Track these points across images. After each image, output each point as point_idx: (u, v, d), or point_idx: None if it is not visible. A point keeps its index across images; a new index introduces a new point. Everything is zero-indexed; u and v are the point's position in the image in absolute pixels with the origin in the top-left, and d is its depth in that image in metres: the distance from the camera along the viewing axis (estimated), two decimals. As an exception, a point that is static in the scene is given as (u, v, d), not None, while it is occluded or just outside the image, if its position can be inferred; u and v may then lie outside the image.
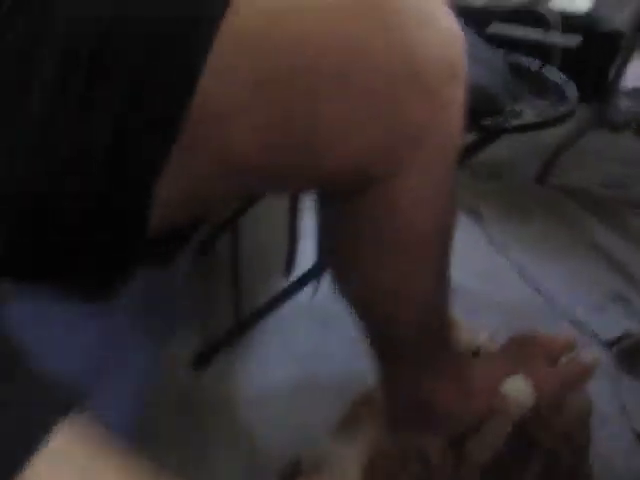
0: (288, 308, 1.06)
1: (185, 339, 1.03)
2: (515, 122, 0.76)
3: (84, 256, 0.46)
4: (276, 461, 0.62)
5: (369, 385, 0.68)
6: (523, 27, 1.49)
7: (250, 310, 1.05)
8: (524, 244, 1.39)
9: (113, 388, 0.54)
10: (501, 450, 0.64)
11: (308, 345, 1.06)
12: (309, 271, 1.02)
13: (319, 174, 0.45)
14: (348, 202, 0.49)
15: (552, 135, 1.54)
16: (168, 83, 0.40)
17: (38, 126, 0.40)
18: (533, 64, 0.98)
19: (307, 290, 1.04)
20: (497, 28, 1.49)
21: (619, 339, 1.08)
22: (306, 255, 1.18)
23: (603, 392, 0.98)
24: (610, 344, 1.09)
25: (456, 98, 0.45)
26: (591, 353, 0.69)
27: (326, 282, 1.03)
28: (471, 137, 0.80)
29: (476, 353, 0.76)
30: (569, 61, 1.11)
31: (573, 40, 1.47)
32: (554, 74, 0.95)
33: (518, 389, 0.63)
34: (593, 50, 1.48)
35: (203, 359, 0.99)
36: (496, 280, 1.27)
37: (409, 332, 0.56)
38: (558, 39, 1.39)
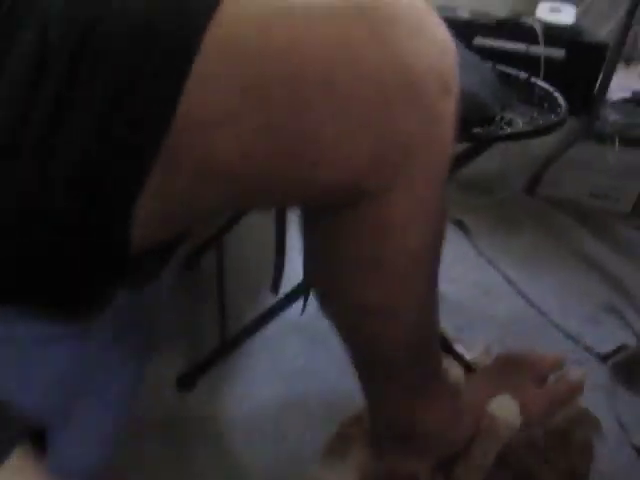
0: (275, 325, 1.03)
1: (170, 358, 1.00)
2: (507, 130, 0.74)
3: (64, 274, 0.44)
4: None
5: (359, 405, 0.66)
6: (508, 40, 1.49)
7: (236, 328, 1.03)
8: (514, 256, 1.38)
9: (90, 411, 0.51)
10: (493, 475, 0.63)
11: (296, 364, 1.04)
12: (297, 287, 1.00)
13: (305, 187, 0.43)
14: (335, 218, 0.47)
15: (540, 147, 1.54)
16: (153, 87, 0.38)
17: (9, 126, 0.39)
18: (521, 74, 0.97)
19: (295, 307, 1.02)
20: (482, 41, 1.49)
21: (614, 352, 1.06)
22: (294, 271, 1.16)
23: (599, 407, 0.95)
24: (605, 357, 1.07)
25: (448, 110, 0.43)
26: (579, 370, 0.69)
27: (314, 299, 1.01)
28: (461, 147, 0.79)
29: (472, 369, 0.74)
30: (554, 73, 1.10)
31: (558, 52, 1.47)
32: (542, 84, 0.94)
33: (505, 409, 0.63)
34: (578, 62, 1.48)
35: (188, 380, 0.96)
36: (488, 293, 1.25)
37: (397, 352, 0.55)
38: (543, 51, 1.39)
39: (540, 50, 1.35)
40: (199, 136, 0.39)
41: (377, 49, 0.39)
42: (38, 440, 0.32)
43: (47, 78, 0.38)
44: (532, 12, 1.57)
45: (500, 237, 1.46)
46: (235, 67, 0.38)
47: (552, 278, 1.32)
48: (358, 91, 0.39)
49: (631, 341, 1.10)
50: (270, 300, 1.04)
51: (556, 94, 0.90)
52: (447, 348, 0.86)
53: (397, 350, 0.55)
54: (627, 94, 1.64)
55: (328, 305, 0.56)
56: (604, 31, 1.62)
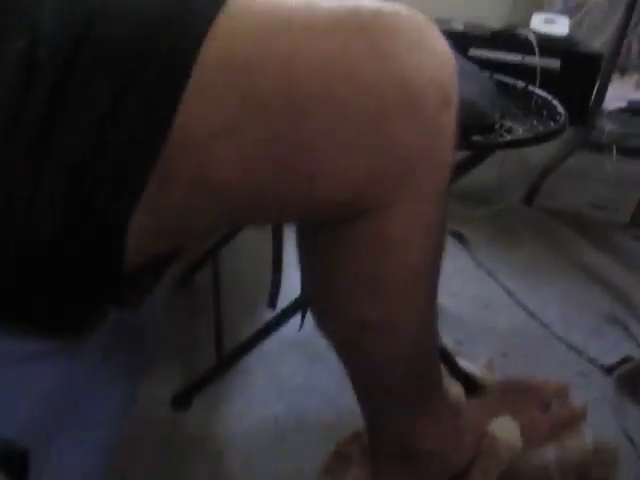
0: (273, 342, 1.02)
1: (164, 376, 0.98)
2: (507, 138, 0.73)
3: (55, 289, 0.43)
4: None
5: (358, 422, 0.65)
6: (503, 51, 1.49)
7: (233, 345, 1.01)
8: (513, 267, 1.37)
9: (78, 431, 0.49)
10: None
11: (295, 381, 1.01)
12: (294, 303, 0.98)
13: (303, 201, 0.42)
14: (333, 234, 0.46)
15: (538, 158, 1.54)
16: (149, 95, 0.38)
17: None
18: (518, 83, 0.97)
19: (293, 323, 1.00)
20: (477, 52, 1.49)
21: (619, 364, 1.05)
22: (291, 286, 1.14)
23: (606, 421, 0.94)
24: (610, 369, 1.05)
25: (448, 123, 0.43)
26: (582, 401, 0.70)
27: (312, 315, 0.99)
28: (461, 155, 0.77)
29: (473, 385, 0.73)
30: (550, 84, 1.10)
31: (553, 63, 1.47)
32: (540, 92, 0.94)
33: (506, 430, 0.63)
34: (573, 73, 1.48)
35: (183, 399, 0.94)
36: (488, 306, 1.24)
37: (396, 368, 0.54)
38: (538, 62, 1.39)
39: (536, 61, 1.35)
40: (197, 147, 0.39)
41: (377, 63, 0.39)
42: (20, 464, 0.30)
43: (39, 80, 0.38)
44: (526, 24, 1.58)
45: (499, 248, 1.45)
46: (233, 78, 0.38)
47: (552, 289, 1.31)
48: (357, 103, 0.39)
49: (635, 353, 1.08)
50: (267, 316, 1.02)
51: (555, 102, 0.89)
52: (448, 363, 0.85)
53: (397, 365, 0.54)
54: (623, 104, 1.64)
55: (326, 321, 0.55)
56: (598, 42, 1.63)
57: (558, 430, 0.67)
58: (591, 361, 1.08)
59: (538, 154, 1.52)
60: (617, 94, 1.62)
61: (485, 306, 1.24)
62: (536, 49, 1.37)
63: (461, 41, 1.50)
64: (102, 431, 0.53)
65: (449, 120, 0.43)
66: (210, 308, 1.11)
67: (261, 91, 0.38)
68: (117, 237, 0.40)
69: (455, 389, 0.72)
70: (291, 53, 0.38)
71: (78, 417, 0.49)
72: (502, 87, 0.92)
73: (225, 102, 0.38)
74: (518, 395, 0.68)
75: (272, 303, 1.15)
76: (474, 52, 1.49)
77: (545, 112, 0.85)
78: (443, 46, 0.42)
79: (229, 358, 1.00)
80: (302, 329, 1.02)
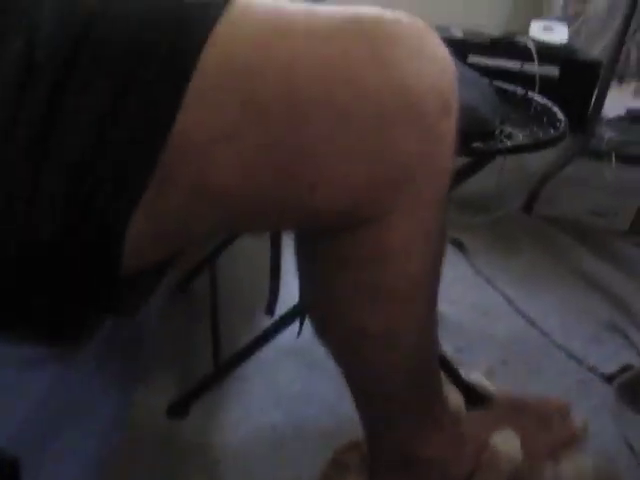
0: (271, 349, 1.01)
1: (161, 384, 0.97)
2: (508, 144, 0.73)
3: (53, 291, 0.43)
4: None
5: (357, 430, 0.64)
6: (502, 58, 1.49)
7: (230, 352, 1.00)
8: (512, 275, 1.37)
9: (74, 438, 0.49)
10: None
11: (293, 389, 1.00)
12: (293, 310, 0.97)
13: (304, 208, 0.42)
14: (333, 242, 0.46)
15: (537, 165, 1.54)
16: (150, 97, 0.38)
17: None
18: (518, 90, 0.96)
19: (290, 330, 0.99)
20: (476, 59, 1.49)
21: (619, 372, 1.04)
22: (289, 293, 1.13)
23: (606, 429, 0.93)
24: (610, 378, 1.04)
25: (448, 130, 0.43)
26: (583, 419, 0.71)
27: (310, 323, 0.99)
28: (460, 161, 0.77)
29: (473, 393, 0.73)
30: (549, 91, 1.10)
31: (552, 70, 1.47)
32: (540, 99, 0.93)
33: (507, 443, 0.63)
34: (572, 80, 1.48)
35: (180, 407, 0.93)
36: (487, 313, 1.23)
37: (396, 375, 0.54)
38: (537, 69, 1.39)
39: (535, 68, 1.35)
40: (196, 153, 0.39)
41: (377, 70, 0.39)
42: (10, 472, 0.29)
43: (39, 80, 0.38)
44: (525, 31, 1.58)
45: (498, 256, 1.44)
46: (233, 83, 0.38)
47: (552, 297, 1.30)
48: (357, 109, 0.39)
49: (635, 361, 1.08)
50: (264, 323, 1.01)
51: (554, 109, 0.89)
52: (448, 371, 0.84)
53: (396, 373, 0.54)
54: (621, 111, 1.65)
55: (325, 329, 0.55)
56: (596, 50, 1.63)
57: (557, 448, 0.67)
58: (591, 369, 1.07)
59: (537, 161, 1.52)
60: (615, 102, 1.62)
61: (484, 314, 1.23)
62: (535, 56, 1.37)
63: (460, 48, 1.50)
64: (96, 439, 0.53)
65: (449, 127, 0.43)
66: (207, 315, 1.10)
67: (261, 96, 0.38)
68: (116, 238, 0.40)
69: (455, 398, 0.71)
70: (291, 59, 0.38)
71: (73, 424, 0.48)
72: (502, 94, 0.92)
73: (225, 107, 0.38)
74: (520, 410, 0.69)
75: (270, 310, 1.14)
76: (473, 59, 1.49)
77: (545, 119, 0.85)
78: (443, 53, 0.42)
79: (226, 365, 0.99)
80: (300, 336, 1.02)
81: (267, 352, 1.00)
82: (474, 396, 0.74)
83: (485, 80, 0.88)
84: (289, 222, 0.46)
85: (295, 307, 0.97)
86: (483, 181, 1.24)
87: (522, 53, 1.44)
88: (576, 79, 1.49)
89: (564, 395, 1.00)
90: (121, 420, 0.56)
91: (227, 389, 0.99)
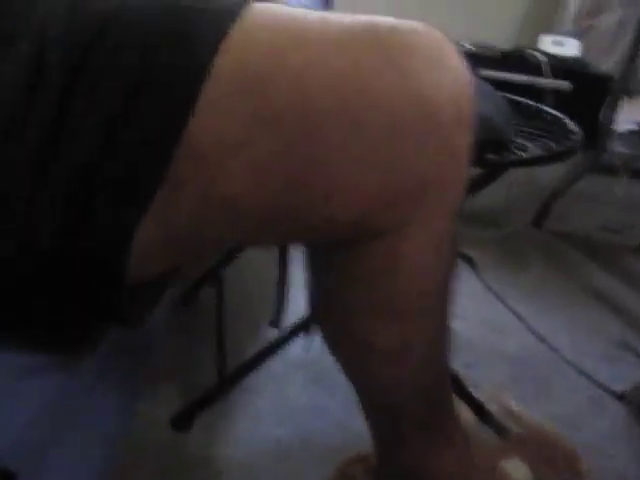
0: (277, 362, 1.00)
1: (165, 396, 0.96)
2: (522, 156, 0.72)
3: (55, 294, 0.42)
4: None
5: (364, 444, 0.63)
6: (512, 72, 1.49)
7: (235, 364, 0.99)
8: (522, 291, 1.36)
9: (75, 448, 0.48)
10: None
11: (299, 402, 0.99)
12: (300, 323, 0.96)
13: (318, 217, 0.41)
14: (348, 254, 0.46)
15: (547, 180, 1.53)
16: (163, 98, 0.38)
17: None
18: (530, 103, 0.96)
19: (299, 343, 0.98)
20: (487, 73, 1.49)
21: (632, 391, 1.02)
22: (295, 305, 1.12)
23: (621, 452, 0.91)
24: (622, 396, 1.03)
25: (464, 141, 0.43)
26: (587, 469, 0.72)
27: (318, 334, 0.98)
28: (474, 172, 0.76)
29: (483, 411, 0.72)
30: (560, 105, 1.09)
31: (563, 84, 1.47)
32: (552, 112, 0.93)
33: (518, 471, 0.64)
34: (584, 94, 1.47)
35: (185, 419, 0.92)
36: (497, 329, 1.22)
37: (407, 390, 0.54)
38: (548, 83, 1.39)
39: (546, 82, 1.35)
40: (208, 159, 0.38)
41: (393, 79, 0.38)
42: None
43: (49, 82, 0.37)
44: (534, 45, 1.58)
45: (507, 271, 1.44)
46: (246, 90, 0.38)
47: (562, 313, 1.29)
48: (370, 119, 0.39)
49: (647, 379, 1.06)
50: (270, 335, 1.00)
51: (567, 121, 0.88)
52: (458, 388, 0.83)
53: (407, 387, 0.53)
54: (632, 126, 1.64)
55: (336, 342, 0.54)
56: (607, 64, 1.62)
57: None
58: (602, 387, 1.05)
59: (547, 176, 1.51)
60: (626, 116, 1.61)
61: (494, 329, 1.22)
62: (546, 71, 1.36)
63: (471, 61, 1.50)
64: (98, 451, 0.52)
65: (465, 138, 0.42)
66: (212, 327, 1.09)
67: (274, 104, 0.38)
68: (124, 241, 0.39)
69: (465, 414, 0.70)
70: (304, 67, 0.38)
71: (74, 435, 0.47)
72: (514, 106, 0.91)
73: (237, 114, 0.38)
74: (531, 445, 0.68)
75: (275, 323, 1.13)
76: (484, 73, 1.49)
77: (558, 131, 0.84)
78: (461, 64, 0.42)
79: (231, 377, 0.98)
80: (308, 349, 1.01)
81: (274, 365, 1.00)
82: (484, 414, 0.73)
83: (498, 93, 0.87)
84: (302, 232, 0.46)
85: (303, 320, 0.96)
86: (493, 195, 1.23)
87: (533, 67, 1.44)
88: (588, 93, 1.48)
89: (575, 412, 0.98)
90: (124, 432, 0.55)
91: (233, 401, 0.98)
